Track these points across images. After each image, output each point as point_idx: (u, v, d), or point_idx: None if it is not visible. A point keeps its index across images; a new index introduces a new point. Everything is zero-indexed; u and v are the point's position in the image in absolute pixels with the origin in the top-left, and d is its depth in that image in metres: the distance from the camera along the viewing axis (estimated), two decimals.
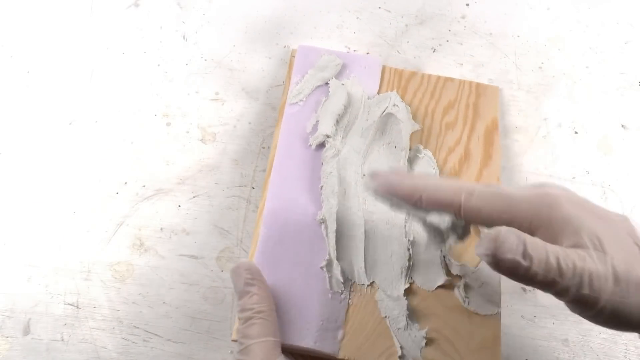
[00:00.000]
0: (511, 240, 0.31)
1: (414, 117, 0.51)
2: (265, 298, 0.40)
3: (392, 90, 0.52)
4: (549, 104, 0.55)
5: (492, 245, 0.31)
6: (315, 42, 0.58)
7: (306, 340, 0.41)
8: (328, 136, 0.48)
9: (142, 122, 0.53)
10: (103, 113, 0.53)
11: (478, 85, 0.52)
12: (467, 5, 0.61)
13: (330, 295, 0.43)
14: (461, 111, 0.51)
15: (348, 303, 0.43)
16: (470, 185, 0.36)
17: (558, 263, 0.31)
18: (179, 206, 0.49)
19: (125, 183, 0.50)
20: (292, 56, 0.54)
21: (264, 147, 0.52)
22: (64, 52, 0.56)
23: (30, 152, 0.51)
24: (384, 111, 0.50)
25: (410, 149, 0.49)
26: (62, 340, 0.44)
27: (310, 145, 0.48)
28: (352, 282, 0.44)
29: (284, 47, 0.57)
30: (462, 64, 0.58)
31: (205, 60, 0.56)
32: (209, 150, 0.52)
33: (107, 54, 0.56)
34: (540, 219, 0.34)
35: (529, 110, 0.55)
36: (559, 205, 0.34)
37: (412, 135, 0.50)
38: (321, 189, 0.47)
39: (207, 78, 0.55)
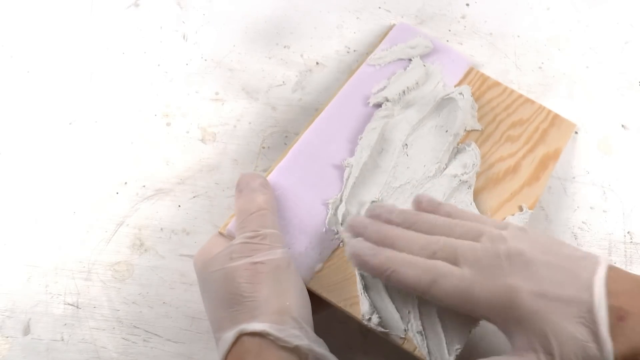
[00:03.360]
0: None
1: (480, 120, 0.50)
2: (274, 204, 0.42)
3: None
4: (549, 104, 0.55)
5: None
6: (316, 42, 0.58)
7: None
8: (388, 99, 0.49)
9: (142, 122, 0.53)
10: (103, 113, 0.53)
11: (556, 115, 0.51)
12: (467, 5, 0.61)
13: (324, 230, 0.44)
14: (528, 131, 0.50)
15: (338, 245, 0.44)
16: (439, 268, 0.37)
17: None
18: (179, 206, 0.49)
19: (125, 183, 0.50)
20: (390, 29, 0.55)
21: (264, 147, 0.52)
22: (64, 52, 0.56)
23: (30, 152, 0.51)
24: (448, 95, 0.50)
25: (461, 143, 0.49)
26: (62, 340, 0.44)
27: (369, 103, 0.49)
28: None
29: (284, 47, 0.57)
30: None
31: (205, 60, 0.56)
32: (209, 150, 0.52)
33: (107, 54, 0.56)
34: (497, 315, 0.36)
35: None
36: (516, 304, 0.35)
37: (470, 133, 0.49)
38: (359, 140, 0.47)
39: (207, 78, 0.55)
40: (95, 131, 0.52)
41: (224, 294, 0.37)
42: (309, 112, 0.54)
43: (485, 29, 0.60)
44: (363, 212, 0.44)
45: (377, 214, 0.41)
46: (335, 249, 0.44)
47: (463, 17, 0.60)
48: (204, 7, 0.59)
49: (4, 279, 0.46)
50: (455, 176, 0.46)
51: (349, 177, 0.46)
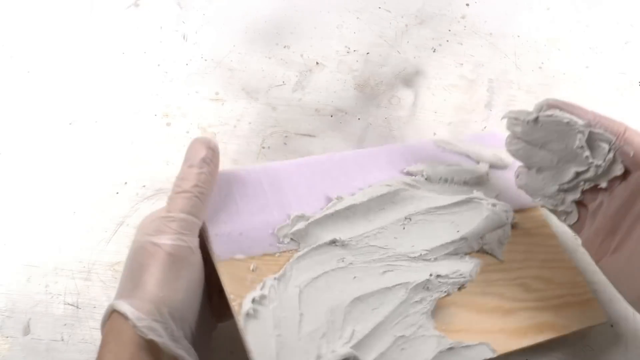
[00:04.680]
0: None
1: (507, 253, 0.46)
2: (211, 182, 0.39)
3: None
4: None
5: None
6: (316, 42, 0.58)
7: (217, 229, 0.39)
8: (424, 176, 0.46)
9: (142, 122, 0.53)
10: (103, 113, 0.53)
11: (593, 299, 0.46)
12: (467, 5, 0.61)
13: (271, 231, 0.40)
14: (548, 293, 0.45)
15: (274, 254, 0.40)
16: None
17: None
18: None
19: (125, 183, 0.50)
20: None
21: (264, 147, 0.52)
22: (64, 52, 0.56)
23: (30, 152, 0.51)
24: (474, 198, 0.45)
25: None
26: (62, 340, 0.44)
27: (404, 170, 0.46)
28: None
29: (284, 47, 0.57)
30: (462, 64, 0.58)
31: (205, 60, 0.56)
32: None
33: (107, 54, 0.56)
34: None
35: None
36: None
37: (485, 256, 0.45)
38: (368, 187, 0.44)
39: (207, 78, 0.55)
40: (95, 131, 0.52)
41: (126, 264, 0.37)
42: (309, 112, 0.54)
43: (485, 29, 0.60)
44: (318, 242, 0.41)
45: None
46: (266, 255, 0.40)
47: (463, 17, 0.60)
48: (204, 7, 0.59)
49: (4, 279, 0.46)
50: (433, 275, 0.42)
51: (331, 207, 0.42)
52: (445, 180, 0.46)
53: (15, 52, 0.55)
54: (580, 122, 0.41)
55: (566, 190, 0.43)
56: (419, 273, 0.41)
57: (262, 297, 0.38)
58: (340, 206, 0.42)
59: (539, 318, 0.43)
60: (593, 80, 0.57)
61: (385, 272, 0.41)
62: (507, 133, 0.45)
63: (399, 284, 0.41)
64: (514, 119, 0.44)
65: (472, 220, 0.44)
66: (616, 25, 0.60)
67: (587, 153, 0.41)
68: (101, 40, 0.57)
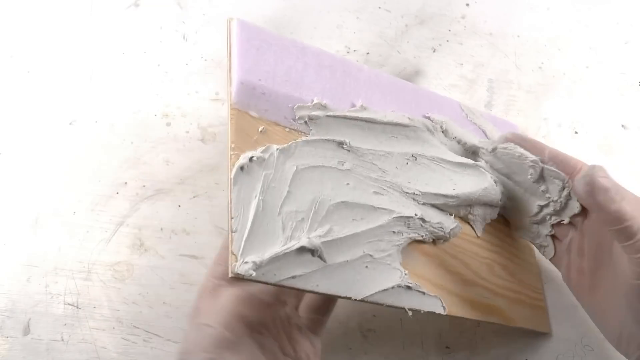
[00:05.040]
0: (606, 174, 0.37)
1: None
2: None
3: None
4: (549, 104, 0.55)
5: (590, 172, 0.37)
6: (315, 42, 0.58)
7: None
8: (442, 128, 0.47)
9: (142, 122, 0.53)
10: (103, 113, 0.53)
11: (543, 309, 0.47)
12: (467, 5, 0.61)
13: None
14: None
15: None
16: (591, 165, 0.39)
17: None
18: (179, 206, 0.49)
19: (125, 183, 0.50)
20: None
21: None
22: (64, 52, 0.56)
23: (30, 152, 0.51)
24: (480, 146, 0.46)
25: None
26: (62, 340, 0.44)
27: (428, 115, 0.47)
28: None
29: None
30: (462, 64, 0.58)
31: (205, 60, 0.56)
32: (209, 150, 0.51)
33: (107, 54, 0.56)
34: None
35: (529, 110, 0.55)
36: None
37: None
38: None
39: (207, 78, 0.55)
40: (95, 131, 0.52)
41: None
42: None
43: (485, 29, 0.60)
44: (328, 137, 0.42)
45: None
46: (277, 125, 0.40)
47: (463, 17, 0.60)
48: (204, 7, 0.59)
49: (4, 279, 0.46)
50: (417, 215, 0.42)
51: (353, 111, 0.42)
52: (459, 142, 0.47)
53: (15, 52, 0.55)
54: (531, 157, 0.41)
55: (538, 223, 0.44)
56: (406, 208, 0.42)
57: (261, 159, 0.38)
58: (361, 114, 0.43)
59: (492, 300, 0.43)
60: (593, 80, 0.57)
61: (376, 192, 0.42)
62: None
63: (384, 209, 0.41)
64: (481, 148, 0.45)
65: (470, 184, 0.44)
66: (616, 25, 0.60)
67: (542, 188, 0.42)
68: (101, 40, 0.57)
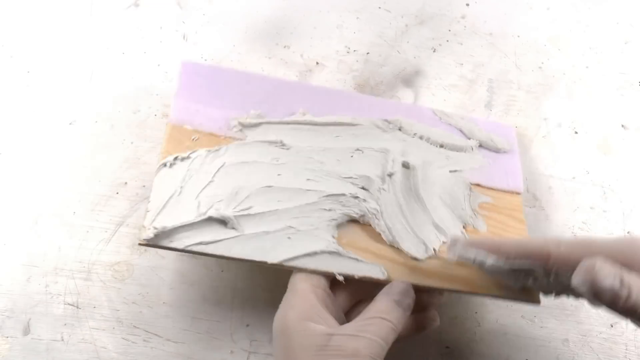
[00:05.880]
0: (607, 269, 0.32)
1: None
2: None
3: None
4: (549, 104, 0.55)
5: (589, 275, 0.32)
6: (316, 42, 0.58)
7: None
8: (416, 135, 0.49)
9: (142, 122, 0.53)
10: (103, 113, 0.53)
11: None
12: (467, 5, 0.61)
13: None
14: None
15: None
16: (555, 238, 0.37)
17: None
18: None
19: (125, 183, 0.50)
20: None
21: None
22: (64, 52, 0.56)
23: (30, 152, 0.51)
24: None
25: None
26: (62, 340, 0.44)
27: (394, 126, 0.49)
28: None
29: (284, 47, 0.57)
30: (462, 64, 0.58)
31: (205, 60, 0.56)
32: None
33: (107, 54, 0.56)
34: (625, 259, 0.34)
35: (529, 110, 0.55)
36: None
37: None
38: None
39: None
40: (95, 131, 0.52)
41: None
42: None
43: (485, 29, 0.60)
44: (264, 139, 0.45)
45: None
46: (212, 135, 0.45)
47: (463, 17, 0.60)
48: (204, 7, 0.59)
49: (4, 279, 0.46)
50: (352, 194, 0.44)
51: (291, 117, 0.46)
52: (421, 137, 0.48)
53: (15, 52, 0.55)
54: (488, 263, 0.39)
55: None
56: (339, 188, 0.44)
57: (186, 158, 0.43)
58: (299, 118, 0.45)
59: (454, 270, 0.42)
60: (593, 80, 0.57)
61: (309, 179, 0.44)
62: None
63: (314, 190, 0.43)
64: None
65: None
66: (616, 25, 0.60)
67: (521, 276, 0.39)
68: (101, 40, 0.57)
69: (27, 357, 0.43)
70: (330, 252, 0.41)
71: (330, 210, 0.43)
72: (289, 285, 0.40)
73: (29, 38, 0.56)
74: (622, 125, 0.55)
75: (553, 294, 0.38)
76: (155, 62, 0.56)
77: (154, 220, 0.40)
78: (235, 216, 0.41)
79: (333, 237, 0.42)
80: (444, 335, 0.46)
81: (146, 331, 0.44)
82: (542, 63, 0.58)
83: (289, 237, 0.41)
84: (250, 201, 0.42)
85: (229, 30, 0.58)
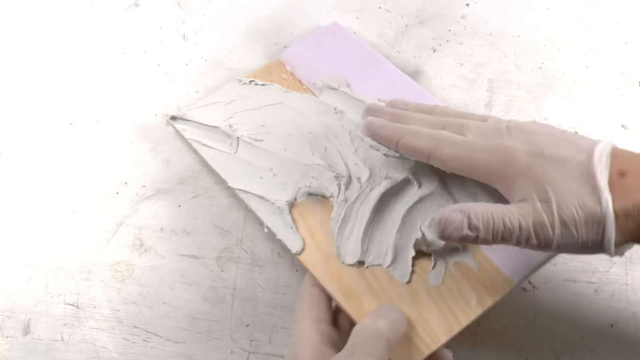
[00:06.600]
0: (455, 219, 0.36)
1: None
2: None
3: None
4: (549, 104, 0.55)
5: (438, 229, 0.36)
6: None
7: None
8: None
9: (142, 122, 0.53)
10: (103, 113, 0.53)
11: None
12: (467, 5, 0.61)
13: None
14: None
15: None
16: (443, 135, 0.40)
17: (504, 225, 0.35)
18: (179, 206, 0.49)
19: (125, 183, 0.50)
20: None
21: None
22: (64, 52, 0.56)
23: (30, 152, 0.51)
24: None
25: None
26: (62, 340, 0.44)
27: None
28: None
29: (284, 47, 0.57)
30: (462, 64, 0.58)
31: (205, 60, 0.56)
32: None
33: (107, 54, 0.56)
34: (496, 173, 0.38)
35: (529, 110, 0.55)
36: (513, 161, 0.37)
37: None
38: None
39: (207, 78, 0.55)
40: (95, 131, 0.52)
41: None
42: None
43: (485, 29, 0.60)
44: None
45: (394, 104, 0.45)
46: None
47: (463, 17, 0.60)
48: (204, 7, 0.59)
49: (4, 279, 0.46)
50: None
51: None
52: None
53: (15, 52, 0.56)
54: (383, 151, 0.43)
55: None
56: (336, 165, 0.46)
57: (260, 85, 0.52)
58: (355, 95, 0.51)
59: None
60: (593, 80, 0.57)
61: (327, 148, 0.47)
62: None
63: (316, 156, 0.47)
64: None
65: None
66: (616, 25, 0.60)
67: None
68: (101, 40, 0.57)
69: (27, 357, 0.43)
70: (276, 206, 0.44)
71: (312, 177, 0.46)
72: (294, 324, 0.40)
73: (29, 38, 0.56)
74: (622, 125, 0.55)
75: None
76: (155, 62, 0.56)
77: (189, 108, 0.51)
78: (238, 137, 0.48)
79: (294, 198, 0.45)
80: None
81: (146, 331, 0.44)
82: (542, 63, 0.58)
83: (261, 177, 0.46)
84: (265, 137, 0.48)
85: (229, 30, 0.58)
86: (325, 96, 0.51)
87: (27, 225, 0.48)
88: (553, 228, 0.34)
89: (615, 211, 0.34)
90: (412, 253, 0.42)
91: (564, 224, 0.34)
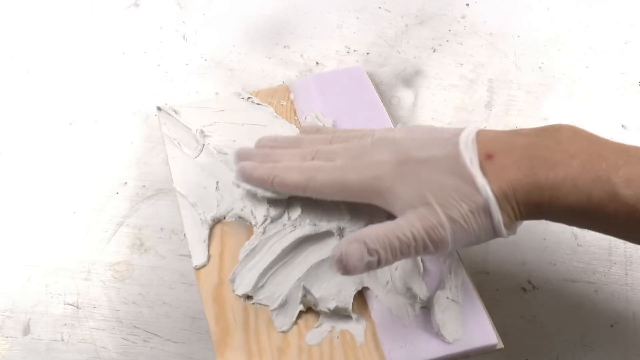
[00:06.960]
0: (353, 249, 0.35)
1: None
2: None
3: None
4: (549, 104, 0.55)
5: (341, 265, 0.35)
6: (316, 42, 0.58)
7: None
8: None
9: (142, 122, 0.53)
10: (103, 113, 0.53)
11: None
12: (467, 5, 0.61)
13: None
14: None
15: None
16: (315, 166, 0.40)
17: (399, 239, 0.35)
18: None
19: (125, 183, 0.50)
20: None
21: None
22: (64, 52, 0.56)
23: (30, 152, 0.51)
24: None
25: None
26: (62, 340, 0.44)
27: None
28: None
29: (284, 47, 0.57)
30: (462, 64, 0.58)
31: (205, 60, 0.56)
32: None
33: (107, 54, 0.56)
34: (370, 190, 0.38)
35: (529, 110, 0.55)
36: (383, 174, 0.37)
37: None
38: None
39: (207, 78, 0.55)
40: (95, 131, 0.52)
41: None
42: None
43: (485, 29, 0.60)
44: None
45: (262, 144, 0.45)
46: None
47: (463, 17, 0.60)
48: (204, 7, 0.59)
49: (4, 279, 0.46)
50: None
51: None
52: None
53: (15, 52, 0.56)
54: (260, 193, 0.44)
55: None
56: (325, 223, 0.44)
57: (258, 104, 0.51)
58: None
59: None
60: (593, 80, 0.57)
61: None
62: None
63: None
64: None
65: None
66: (616, 25, 0.60)
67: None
68: (101, 40, 0.57)
69: (27, 357, 0.43)
70: (200, 218, 0.45)
71: (248, 201, 0.44)
72: None
73: (29, 38, 0.56)
74: (622, 125, 0.55)
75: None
76: (155, 62, 0.56)
77: (181, 106, 0.51)
78: (204, 145, 0.49)
79: (223, 216, 0.45)
80: None
81: (146, 331, 0.44)
82: (542, 63, 0.58)
83: (204, 187, 0.46)
84: (229, 151, 0.47)
85: (229, 30, 0.58)
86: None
87: (27, 225, 0.48)
88: (443, 227, 0.35)
89: (494, 193, 0.34)
90: (301, 307, 0.40)
91: (452, 220, 0.35)
